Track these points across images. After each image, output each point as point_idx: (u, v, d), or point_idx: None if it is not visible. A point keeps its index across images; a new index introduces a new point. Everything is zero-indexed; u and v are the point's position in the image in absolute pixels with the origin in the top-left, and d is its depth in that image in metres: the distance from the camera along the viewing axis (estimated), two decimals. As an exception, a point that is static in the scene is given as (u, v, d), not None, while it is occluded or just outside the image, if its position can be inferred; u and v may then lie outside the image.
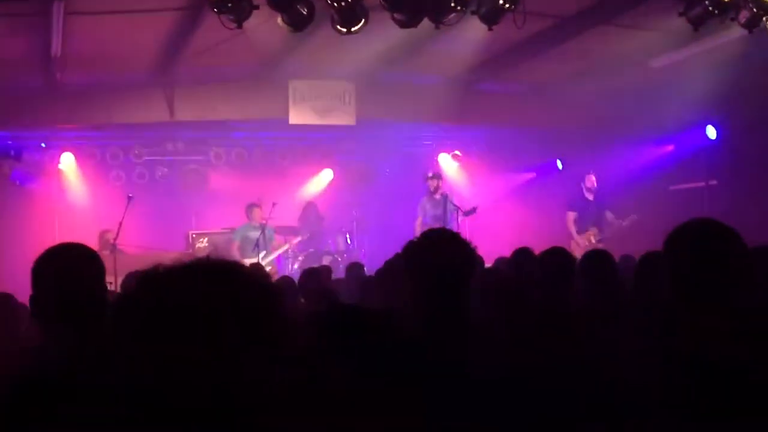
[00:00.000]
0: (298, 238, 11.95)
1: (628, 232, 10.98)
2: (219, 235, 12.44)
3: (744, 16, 7.65)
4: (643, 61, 10.04)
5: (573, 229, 11.49)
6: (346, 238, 12.86)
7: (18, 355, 2.91)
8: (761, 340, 2.14)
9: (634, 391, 2.17)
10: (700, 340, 2.14)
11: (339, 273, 9.81)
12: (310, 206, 13.04)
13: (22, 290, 3.12)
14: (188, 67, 9.90)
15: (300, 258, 11.92)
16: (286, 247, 11.81)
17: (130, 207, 9.92)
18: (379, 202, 13.68)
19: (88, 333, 2.32)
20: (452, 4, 7.24)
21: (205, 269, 1.34)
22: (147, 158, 12.70)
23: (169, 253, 10.24)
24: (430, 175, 11.98)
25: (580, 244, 10.96)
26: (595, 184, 11.58)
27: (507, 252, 5.99)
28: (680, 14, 7.66)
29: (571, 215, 11.59)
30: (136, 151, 12.54)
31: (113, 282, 7.67)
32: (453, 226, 10.43)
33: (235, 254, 10.74)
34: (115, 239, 9.93)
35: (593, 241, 11.17)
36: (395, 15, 7.35)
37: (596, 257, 4.87)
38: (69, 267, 2.42)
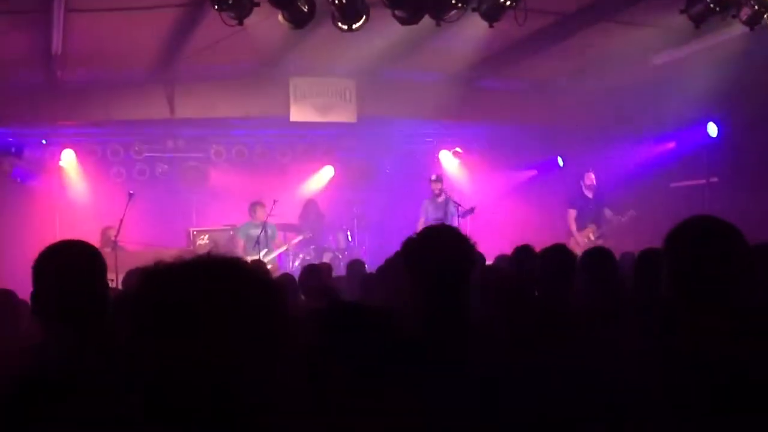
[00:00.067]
0: (300, 238, 11.95)
1: (628, 228, 10.98)
2: (220, 232, 12.44)
3: (745, 13, 7.64)
4: (644, 58, 10.04)
5: (573, 226, 11.50)
6: (347, 235, 12.86)
7: (19, 353, 2.91)
8: (762, 340, 2.13)
9: (634, 390, 2.17)
10: (700, 339, 2.13)
11: (340, 270, 9.81)
12: (310, 203, 13.04)
13: (23, 287, 3.12)
14: (189, 64, 9.90)
15: (301, 255, 11.92)
16: (285, 247, 11.81)
17: (130, 204, 9.92)
18: (379, 200, 13.68)
19: (89, 330, 2.32)
20: (453, 1, 7.23)
21: (206, 266, 1.34)
22: (147, 155, 12.70)
23: (170, 250, 10.24)
24: (433, 178, 12.01)
25: (579, 242, 10.96)
26: (594, 182, 11.59)
27: (508, 249, 5.99)
28: (681, 11, 7.65)
29: (572, 213, 11.60)
30: (137, 148, 12.55)
31: (114, 279, 7.67)
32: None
33: (239, 252, 10.74)
34: (116, 236, 9.94)
35: (592, 238, 11.18)
36: (396, 12, 7.34)
37: (597, 254, 4.87)
38: (70, 264, 2.42)
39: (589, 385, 2.58)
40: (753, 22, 7.67)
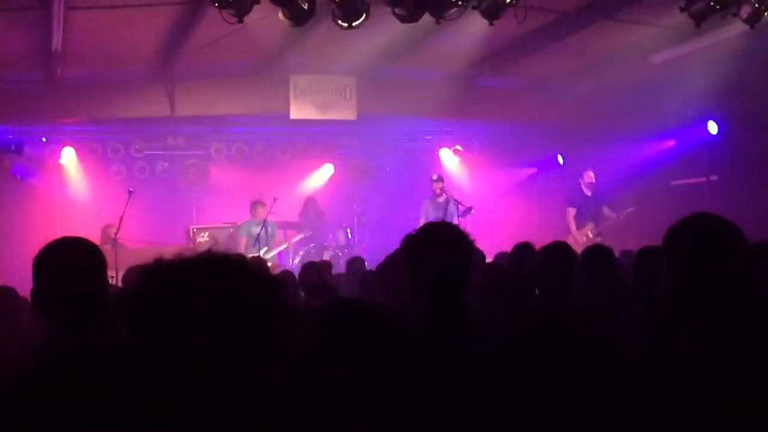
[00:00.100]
0: (300, 236, 11.95)
1: (627, 225, 10.98)
2: (220, 230, 12.45)
3: (746, 11, 7.64)
4: (645, 57, 10.03)
5: (573, 225, 11.51)
6: (347, 232, 12.86)
7: (19, 351, 2.91)
8: (762, 339, 2.13)
9: (634, 390, 2.17)
10: (700, 338, 2.13)
11: (340, 268, 9.81)
12: (310, 201, 13.04)
13: (23, 284, 3.12)
14: (189, 61, 9.89)
15: (301, 253, 11.92)
16: (286, 245, 11.82)
17: (130, 201, 9.93)
18: (379, 197, 13.67)
19: (89, 327, 2.32)
20: (453, -1, 7.24)
21: (207, 263, 1.34)
22: (147, 153, 12.69)
23: (170, 247, 10.24)
24: (434, 177, 12.01)
25: (578, 240, 10.97)
26: (593, 181, 11.60)
27: (508, 247, 5.99)
28: (682, 9, 7.65)
29: (571, 211, 11.60)
30: (137, 146, 12.54)
31: (114, 276, 7.68)
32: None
33: (241, 250, 10.74)
34: (116, 234, 9.94)
35: (590, 236, 11.19)
36: (396, 10, 7.34)
37: (596, 252, 4.87)
38: (70, 260, 2.42)
39: (589, 385, 2.58)
40: (753, 20, 7.67)
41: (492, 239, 9.53)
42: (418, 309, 2.70)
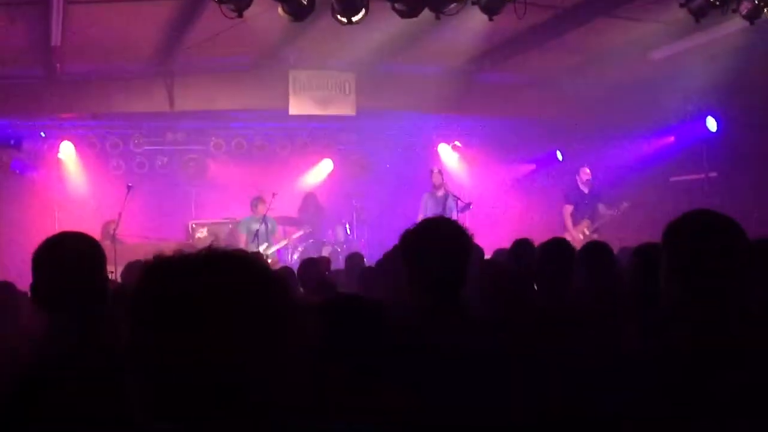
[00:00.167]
0: (300, 233, 11.95)
1: (625, 222, 10.98)
2: (219, 225, 12.45)
3: (745, 7, 7.64)
4: (644, 53, 10.03)
5: (569, 222, 11.51)
6: (346, 228, 12.86)
7: (19, 345, 2.92)
8: (760, 337, 2.13)
9: (632, 388, 2.16)
10: (699, 336, 2.13)
11: (339, 264, 9.81)
12: (309, 197, 13.04)
13: (22, 279, 3.13)
14: (188, 56, 9.89)
15: (300, 248, 11.92)
16: (285, 242, 11.82)
17: (129, 197, 9.93)
18: (378, 193, 13.67)
19: (89, 322, 2.32)
20: (453, -5, 7.23)
21: (208, 259, 1.33)
22: (147, 148, 12.67)
23: (169, 242, 10.26)
24: (434, 170, 12.01)
25: (574, 237, 10.97)
26: (590, 177, 11.61)
27: (507, 243, 6.00)
28: (681, 5, 7.65)
29: (568, 208, 11.61)
30: (136, 141, 12.52)
31: (113, 272, 7.68)
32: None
33: (241, 246, 10.74)
34: (114, 229, 9.94)
35: (587, 233, 11.18)
36: (396, 5, 7.33)
37: (595, 249, 4.87)
38: (70, 254, 2.42)
39: (588, 383, 2.58)
40: (753, 16, 7.67)
41: (490, 235, 9.54)
42: (417, 305, 2.70)
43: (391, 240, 4.00)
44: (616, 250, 5.31)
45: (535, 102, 11.86)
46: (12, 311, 4.44)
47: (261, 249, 10.82)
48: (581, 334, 3.46)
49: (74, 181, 12.31)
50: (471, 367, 2.46)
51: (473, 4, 7.40)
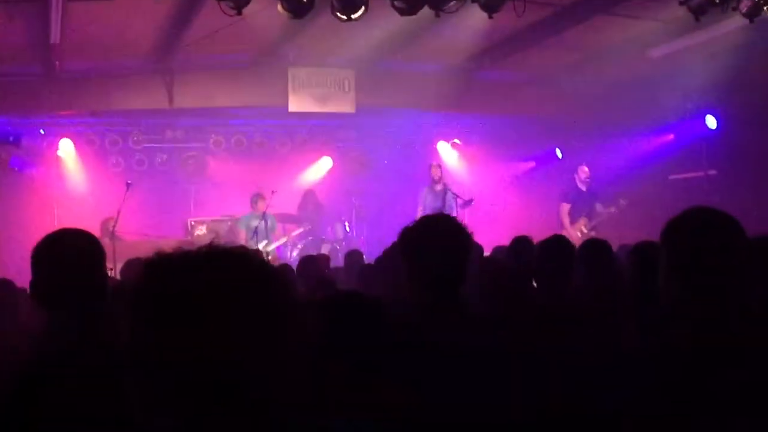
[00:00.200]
0: (299, 230, 11.95)
1: (625, 219, 10.99)
2: (218, 223, 12.44)
3: (745, 5, 7.64)
4: (643, 51, 10.03)
5: (566, 220, 11.52)
6: (345, 226, 12.86)
7: (18, 342, 2.92)
8: (760, 335, 2.13)
9: (632, 386, 2.16)
10: (698, 334, 2.12)
11: (338, 261, 9.81)
12: (309, 194, 13.04)
13: (22, 276, 3.13)
14: (187, 53, 9.88)
15: (299, 246, 11.92)
16: (285, 239, 11.82)
17: (129, 194, 9.93)
18: (378, 190, 13.67)
19: (89, 319, 2.32)
20: (452, -8, 7.23)
21: (208, 256, 1.33)
22: (146, 145, 12.67)
23: (168, 240, 10.26)
24: (435, 164, 12.02)
25: (571, 235, 10.96)
26: (589, 176, 11.61)
27: (506, 241, 6.00)
28: (681, 3, 7.65)
29: (565, 207, 11.62)
30: (135, 138, 12.52)
31: (112, 269, 7.68)
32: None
33: (241, 243, 10.74)
34: (114, 226, 9.94)
35: (584, 230, 11.18)
36: (395, 2, 7.33)
37: (594, 246, 4.87)
38: (69, 252, 2.41)
39: (587, 381, 2.58)
40: (753, 14, 7.67)
41: (490, 233, 9.54)
42: (416, 302, 2.70)
43: (390, 237, 4.00)
44: (615, 248, 5.31)
45: (535, 100, 11.85)
46: (11, 308, 4.44)
47: (260, 246, 10.82)
48: (581, 332, 3.47)
49: (73, 178, 12.31)
50: (470, 364, 2.46)
51: (473, 1, 7.40)
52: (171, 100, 10.96)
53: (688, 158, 11.43)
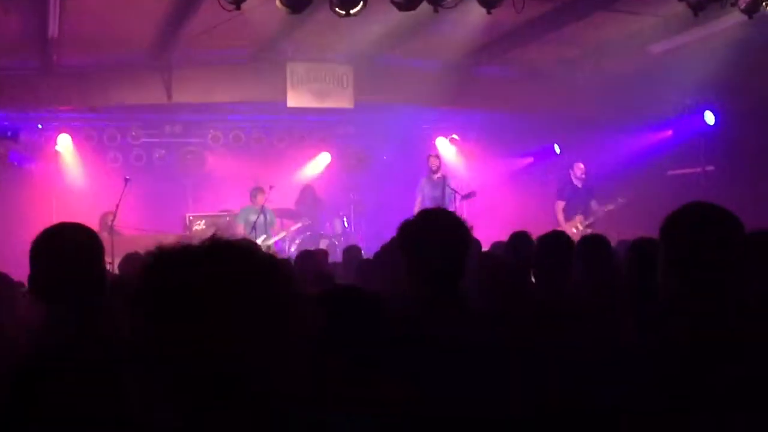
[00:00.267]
0: (298, 225, 11.95)
1: (623, 215, 10.99)
2: (216, 218, 12.44)
3: (744, 1, 7.64)
4: (642, 47, 10.02)
5: (561, 217, 11.51)
6: (343, 221, 12.86)
7: (17, 336, 2.91)
8: (758, 331, 2.13)
9: (631, 382, 2.16)
10: (697, 330, 2.13)
11: (336, 256, 9.81)
12: (307, 189, 13.04)
13: (20, 270, 3.12)
14: (186, 49, 9.87)
15: (297, 241, 11.92)
16: (284, 234, 11.83)
17: (127, 189, 9.93)
18: (376, 186, 13.67)
19: (87, 313, 2.32)
20: (451, -13, 7.22)
21: (209, 249, 1.33)
22: (144, 140, 12.68)
23: (167, 235, 10.25)
24: (433, 154, 12.02)
25: (566, 232, 10.95)
26: (584, 173, 11.61)
27: (504, 236, 6.00)
28: (680, -1, 7.65)
29: (560, 204, 11.61)
30: (134, 133, 12.52)
31: (111, 263, 7.68)
32: (451, 209, 10.43)
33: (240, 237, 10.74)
34: (112, 221, 9.94)
35: (580, 227, 11.17)
36: (394, -2, 7.33)
37: (592, 242, 4.88)
38: (68, 246, 2.41)
39: (586, 377, 2.58)
40: (751, 10, 7.66)
41: (488, 228, 9.54)
42: (416, 297, 2.70)
43: (388, 233, 4.00)
44: (613, 243, 5.31)
45: (533, 96, 11.84)
46: (8, 302, 4.43)
47: (259, 241, 10.82)
48: (579, 327, 3.47)
49: (72, 173, 12.31)
50: (469, 359, 2.47)
51: (471, -3, 7.40)
52: (169, 96, 10.95)
53: (687, 154, 11.43)
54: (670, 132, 12.02)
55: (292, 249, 11.66)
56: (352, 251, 7.47)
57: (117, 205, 9.84)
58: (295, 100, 11.16)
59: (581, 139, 12.27)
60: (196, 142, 13.03)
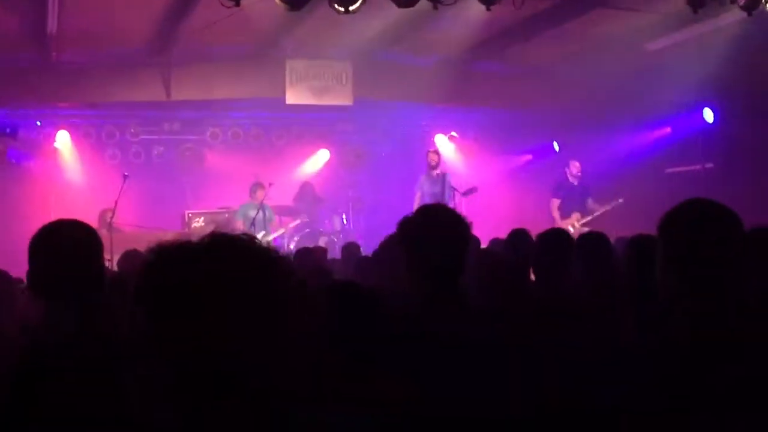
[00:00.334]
0: (297, 222, 11.95)
1: (622, 213, 10.99)
2: (215, 215, 12.43)
3: (743, -2, 7.63)
4: (641, 44, 10.02)
5: (557, 215, 11.52)
6: (342, 218, 12.86)
7: (15, 333, 2.91)
8: (758, 331, 2.13)
9: (631, 382, 2.16)
10: (697, 330, 2.12)
11: (335, 253, 9.81)
12: (306, 186, 13.03)
13: (19, 267, 3.12)
14: (185, 46, 9.86)
15: (296, 238, 11.92)
16: (282, 231, 11.83)
17: (126, 186, 9.93)
18: (375, 183, 13.67)
19: (86, 310, 2.32)
20: (451, -16, 7.21)
21: (209, 246, 1.32)
22: (143, 137, 12.67)
23: (166, 232, 10.25)
24: (432, 150, 12.02)
25: (564, 231, 10.94)
26: (580, 170, 11.61)
27: (502, 234, 5.99)
28: (679, -4, 7.65)
29: (555, 202, 11.62)
30: (133, 130, 12.51)
31: (110, 260, 7.68)
32: (450, 205, 10.42)
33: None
34: (111, 218, 9.93)
35: (577, 225, 11.17)
36: (393, -6, 7.32)
37: (591, 240, 4.88)
38: (66, 243, 2.41)
39: (586, 377, 2.58)
40: (751, 7, 7.66)
41: (486, 226, 9.54)
42: (415, 293, 2.70)
43: (387, 230, 3.99)
44: (612, 240, 5.31)
45: (532, 93, 11.84)
46: (7, 299, 4.43)
47: (258, 237, 10.81)
48: (579, 326, 3.47)
49: (70, 170, 12.30)
50: (469, 356, 2.46)
51: (471, -7, 7.39)
52: (168, 93, 10.95)
53: (686, 151, 11.43)
54: (668, 129, 12.02)
55: (291, 246, 11.65)
56: (350, 248, 7.47)
57: (116, 202, 9.84)
58: (294, 97, 11.16)
59: (580, 136, 12.27)
60: (195, 139, 13.02)
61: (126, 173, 10.16)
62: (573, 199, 11.55)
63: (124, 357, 1.30)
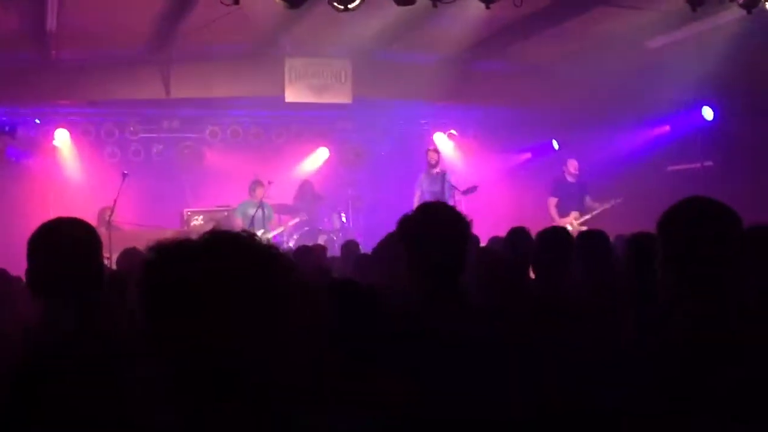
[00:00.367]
0: (296, 220, 11.95)
1: (621, 211, 10.99)
2: (214, 213, 12.42)
3: (742, -4, 7.63)
4: (641, 42, 10.01)
5: (554, 213, 11.52)
6: (342, 216, 12.86)
7: (15, 332, 2.91)
8: (759, 332, 2.12)
9: (630, 382, 2.16)
10: (697, 331, 2.12)
11: (334, 251, 9.81)
12: (305, 184, 13.02)
13: (17, 266, 3.12)
14: (184, 44, 9.85)
15: (295, 236, 11.92)
16: (281, 229, 11.83)
17: (125, 184, 9.92)
18: (374, 181, 13.67)
19: (85, 308, 2.31)
20: (450, -18, 7.21)
21: (209, 244, 1.32)
22: (142, 135, 12.66)
23: (165, 230, 10.25)
24: (432, 148, 12.01)
25: (563, 229, 10.93)
26: (578, 169, 11.61)
27: (502, 232, 5.99)
28: (679, -6, 7.64)
29: (553, 201, 11.62)
30: (132, 128, 12.50)
31: (109, 258, 7.67)
32: (450, 204, 10.41)
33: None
34: (110, 216, 9.93)
35: (575, 224, 11.17)
36: (393, -8, 7.31)
37: (591, 238, 4.87)
38: (66, 241, 2.41)
39: (586, 377, 2.58)
40: (750, 5, 7.65)
41: (486, 224, 9.53)
42: (415, 291, 2.70)
43: (386, 228, 3.99)
44: (611, 238, 5.31)
45: (532, 91, 11.83)
46: (6, 297, 4.43)
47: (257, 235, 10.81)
48: (578, 327, 3.47)
49: (69, 168, 12.29)
50: (469, 354, 2.46)
51: (470, -9, 7.38)
52: (168, 91, 10.93)
53: (685, 149, 11.43)
54: (668, 127, 12.02)
55: (290, 244, 11.64)
56: (350, 246, 7.47)
57: (115, 200, 9.83)
58: (293, 95, 11.14)
59: (580, 134, 12.26)
60: (195, 137, 13.01)
61: (125, 171, 10.16)
62: (571, 197, 11.55)
63: (123, 355, 1.30)
